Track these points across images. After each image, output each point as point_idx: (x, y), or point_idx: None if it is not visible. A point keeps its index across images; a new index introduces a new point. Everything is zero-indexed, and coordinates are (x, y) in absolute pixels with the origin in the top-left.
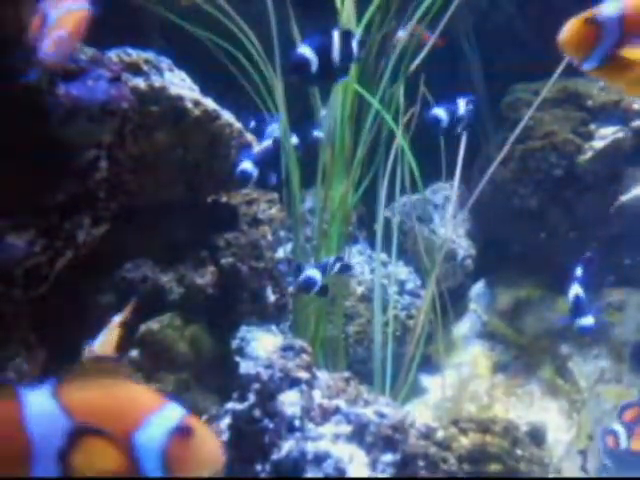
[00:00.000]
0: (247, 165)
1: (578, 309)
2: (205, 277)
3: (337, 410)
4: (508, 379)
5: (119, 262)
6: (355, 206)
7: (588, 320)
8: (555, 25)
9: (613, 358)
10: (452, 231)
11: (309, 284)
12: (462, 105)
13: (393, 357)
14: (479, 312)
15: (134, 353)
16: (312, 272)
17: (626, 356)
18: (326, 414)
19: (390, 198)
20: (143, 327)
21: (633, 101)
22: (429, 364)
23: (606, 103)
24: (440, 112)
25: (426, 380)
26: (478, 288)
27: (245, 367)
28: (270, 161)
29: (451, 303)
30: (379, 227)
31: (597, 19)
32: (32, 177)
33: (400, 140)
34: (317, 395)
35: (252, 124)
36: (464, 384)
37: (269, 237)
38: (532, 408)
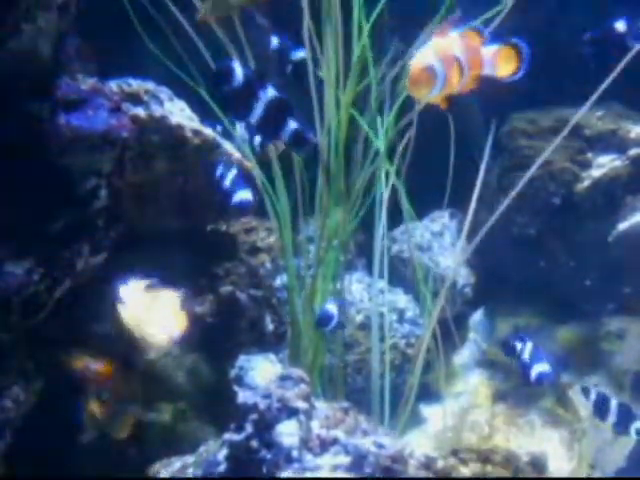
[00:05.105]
0: (245, 194)
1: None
2: (204, 305)
3: (335, 441)
4: (508, 408)
5: (118, 290)
6: (353, 233)
7: (544, 367)
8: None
9: (614, 387)
10: (452, 260)
11: (326, 318)
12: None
13: (392, 386)
14: (479, 340)
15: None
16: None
17: (627, 385)
18: (324, 445)
19: (389, 225)
20: None
21: (629, 130)
22: (428, 393)
23: (603, 132)
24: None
25: (426, 409)
26: (477, 316)
27: (243, 397)
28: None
29: (450, 331)
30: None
31: (433, 67)
32: (31, 206)
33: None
34: (315, 425)
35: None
36: (464, 413)
37: (268, 265)
38: (533, 438)
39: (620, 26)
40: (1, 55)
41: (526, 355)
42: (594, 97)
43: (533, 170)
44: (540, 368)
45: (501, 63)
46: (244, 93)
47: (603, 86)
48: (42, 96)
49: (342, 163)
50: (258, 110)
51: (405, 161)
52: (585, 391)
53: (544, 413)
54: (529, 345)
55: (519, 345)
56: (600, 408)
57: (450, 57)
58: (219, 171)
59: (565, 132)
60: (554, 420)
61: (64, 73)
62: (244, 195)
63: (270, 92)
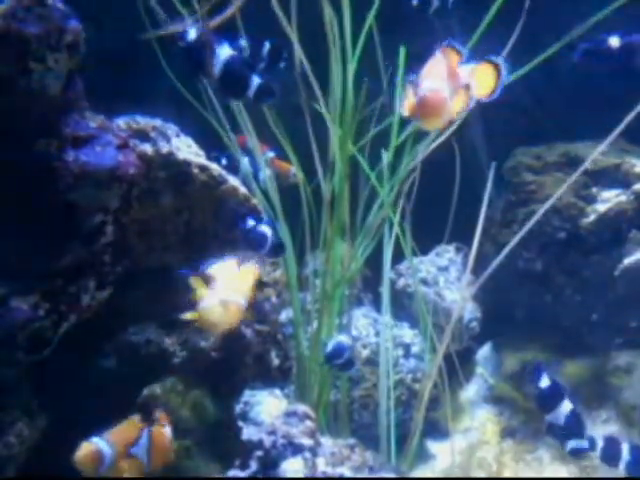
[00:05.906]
0: (264, 228)
1: (570, 428)
2: (209, 340)
3: (342, 478)
4: (517, 445)
5: (123, 325)
6: (359, 269)
7: (581, 443)
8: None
9: (623, 422)
10: (458, 295)
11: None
12: None
13: (399, 422)
14: (486, 376)
15: (136, 418)
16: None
17: (636, 421)
18: None
19: (395, 260)
20: (146, 391)
21: (633, 165)
22: (437, 429)
23: (607, 167)
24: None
25: (433, 446)
26: (484, 351)
27: (248, 433)
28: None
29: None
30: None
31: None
32: (39, 241)
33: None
34: (321, 463)
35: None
36: (472, 450)
37: (274, 300)
38: (542, 474)
39: (614, 41)
40: (11, 94)
41: (561, 417)
42: (608, 139)
43: (545, 207)
44: (578, 444)
45: (478, 82)
46: (197, 49)
47: (618, 130)
48: (50, 133)
49: (345, 197)
50: (218, 68)
51: (411, 197)
52: (591, 443)
53: (553, 449)
54: (567, 406)
55: (543, 381)
56: (609, 454)
57: (456, 80)
58: (249, 223)
59: (578, 172)
60: (563, 456)
61: (72, 110)
62: (262, 229)
63: (225, 50)
